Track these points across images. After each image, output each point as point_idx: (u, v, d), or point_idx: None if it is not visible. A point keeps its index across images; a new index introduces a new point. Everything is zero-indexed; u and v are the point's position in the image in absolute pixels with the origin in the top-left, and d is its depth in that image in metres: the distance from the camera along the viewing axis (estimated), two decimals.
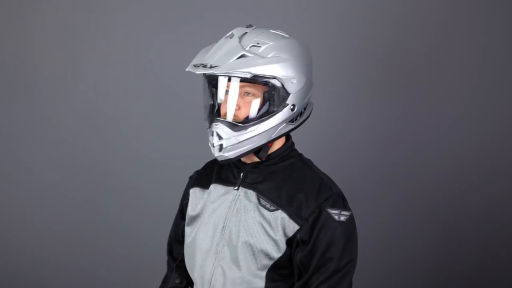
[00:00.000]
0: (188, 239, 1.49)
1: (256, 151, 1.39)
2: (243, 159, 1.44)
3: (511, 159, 2.79)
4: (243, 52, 1.32)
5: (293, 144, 1.47)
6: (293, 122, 1.40)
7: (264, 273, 1.38)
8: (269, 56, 1.33)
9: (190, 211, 1.51)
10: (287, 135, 1.47)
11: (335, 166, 2.70)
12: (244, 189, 1.43)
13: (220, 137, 1.35)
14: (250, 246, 1.37)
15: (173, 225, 1.64)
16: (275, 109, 1.36)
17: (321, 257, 1.33)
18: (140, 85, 2.69)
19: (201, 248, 1.44)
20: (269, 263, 1.37)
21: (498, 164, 2.80)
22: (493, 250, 2.85)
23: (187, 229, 1.50)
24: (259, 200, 1.40)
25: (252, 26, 1.42)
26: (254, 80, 1.32)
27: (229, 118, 1.35)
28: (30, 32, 2.65)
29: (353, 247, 1.37)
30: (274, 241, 1.36)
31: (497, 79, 2.75)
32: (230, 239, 1.40)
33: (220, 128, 1.35)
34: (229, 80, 1.34)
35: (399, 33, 2.71)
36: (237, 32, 1.38)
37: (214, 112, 1.40)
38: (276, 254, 1.36)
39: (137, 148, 2.72)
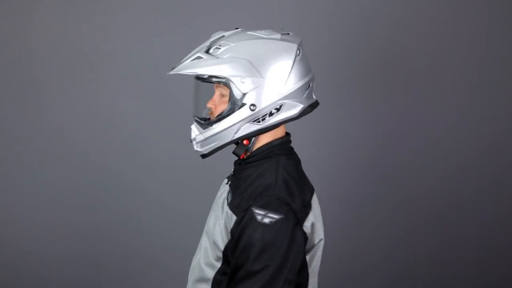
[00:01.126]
0: None
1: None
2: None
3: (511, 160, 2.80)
4: (198, 54, 1.41)
5: (279, 144, 1.46)
6: (259, 122, 1.40)
7: (219, 264, 1.42)
8: (225, 57, 1.39)
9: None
10: (284, 134, 1.49)
11: (334, 169, 2.73)
12: (231, 182, 1.50)
13: (194, 133, 1.48)
14: (209, 237, 1.45)
15: None
16: (231, 108, 1.40)
17: (239, 255, 1.33)
18: (141, 85, 2.69)
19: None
20: (220, 254, 1.41)
21: (499, 166, 2.79)
22: (494, 252, 2.84)
23: None
24: (227, 194, 1.45)
25: (238, 28, 1.47)
26: (207, 80, 1.41)
27: (194, 114, 1.51)
28: (30, 32, 2.64)
29: (275, 254, 1.30)
30: (221, 234, 1.41)
31: (497, 79, 2.75)
32: (206, 233, 1.49)
33: (193, 125, 1.48)
34: (195, 80, 1.47)
35: (399, 33, 2.70)
36: (215, 35, 1.46)
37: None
38: (222, 246, 1.40)
39: (138, 147, 2.71)
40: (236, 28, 1.47)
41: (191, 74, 1.40)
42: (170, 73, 1.41)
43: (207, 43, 1.45)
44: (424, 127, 2.78)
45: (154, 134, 2.71)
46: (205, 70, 1.38)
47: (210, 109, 1.45)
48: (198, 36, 2.63)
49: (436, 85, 2.76)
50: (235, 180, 1.47)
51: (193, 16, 2.66)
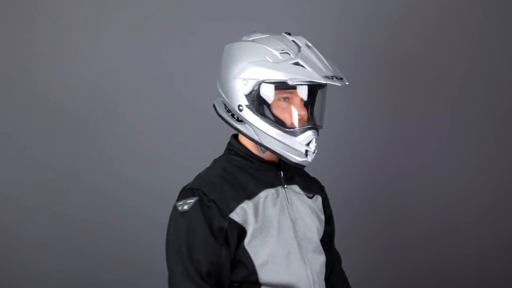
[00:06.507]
0: (263, 254, 1.44)
1: None
2: (275, 159, 1.52)
3: None
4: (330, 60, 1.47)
5: None
6: None
7: None
8: None
9: (253, 224, 1.44)
10: None
11: (335, 168, 2.73)
12: (288, 185, 1.53)
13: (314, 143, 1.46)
14: (318, 231, 1.55)
15: (197, 261, 1.40)
16: None
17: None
18: (143, 84, 2.69)
19: (288, 253, 1.46)
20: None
21: (500, 172, 2.80)
22: (493, 257, 2.84)
23: (256, 244, 1.44)
24: (302, 191, 1.55)
25: (289, 33, 1.51)
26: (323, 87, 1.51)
27: (320, 124, 1.51)
28: (29, 31, 2.64)
29: None
30: (321, 221, 1.58)
31: (500, 79, 2.75)
32: (304, 233, 1.50)
33: (315, 136, 1.46)
34: (323, 88, 1.49)
35: (403, 35, 2.71)
36: (304, 40, 1.48)
37: (307, 120, 1.47)
38: (322, 232, 1.60)
39: (138, 148, 2.71)
40: (288, 33, 1.51)
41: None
42: (347, 83, 1.43)
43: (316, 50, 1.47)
44: (427, 132, 2.78)
45: (156, 133, 2.71)
46: None
47: (300, 115, 1.45)
48: (201, 33, 2.66)
49: (438, 87, 2.76)
50: (295, 178, 1.57)
51: (196, 13, 2.67)
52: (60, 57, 2.66)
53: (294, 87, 1.42)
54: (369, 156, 2.77)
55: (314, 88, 1.46)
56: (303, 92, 1.43)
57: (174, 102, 2.68)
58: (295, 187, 1.55)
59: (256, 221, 1.43)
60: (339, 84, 1.40)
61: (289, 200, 1.50)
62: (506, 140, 2.80)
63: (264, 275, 1.42)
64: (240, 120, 1.47)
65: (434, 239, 2.82)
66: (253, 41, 1.48)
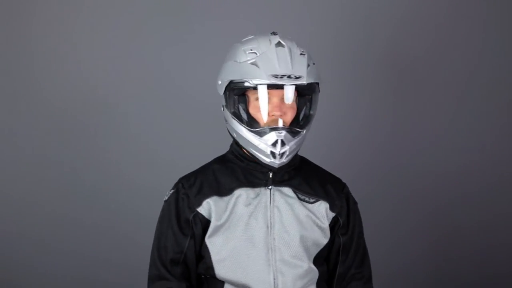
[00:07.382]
0: (223, 250, 1.47)
1: None
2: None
3: None
4: (311, 61, 1.43)
5: None
6: None
7: (312, 261, 1.49)
8: (310, 63, 1.44)
9: (215, 220, 1.48)
10: None
11: (335, 167, 2.73)
12: (277, 187, 1.49)
13: (283, 144, 1.40)
14: (303, 238, 1.46)
15: (164, 247, 1.51)
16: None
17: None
18: (143, 83, 2.69)
19: (249, 254, 1.46)
20: (316, 251, 1.49)
21: (500, 164, 2.80)
22: (494, 253, 2.85)
23: (216, 240, 1.48)
24: (297, 195, 1.48)
25: (275, 32, 1.48)
26: (308, 87, 1.41)
27: (292, 125, 1.44)
28: (29, 32, 2.64)
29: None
30: (321, 229, 1.49)
31: (499, 79, 2.75)
32: (281, 237, 1.46)
33: (284, 135, 1.40)
34: (298, 89, 1.41)
35: (402, 34, 2.71)
36: (277, 38, 1.45)
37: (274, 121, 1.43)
38: (324, 241, 1.51)
39: (138, 148, 2.71)
40: (274, 33, 1.49)
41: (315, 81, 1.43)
42: (305, 83, 1.38)
43: (289, 48, 1.42)
44: (425, 127, 2.78)
45: (156, 133, 2.71)
46: (315, 78, 1.44)
47: (275, 115, 1.42)
48: (201, 33, 2.66)
49: (438, 85, 2.76)
50: (291, 181, 1.50)
51: (196, 14, 2.67)
52: (60, 58, 2.66)
53: (255, 87, 1.40)
54: (368, 156, 2.77)
55: (304, 89, 1.44)
56: (283, 92, 1.40)
57: (174, 102, 2.68)
58: (287, 190, 1.49)
59: (220, 218, 1.47)
60: (288, 84, 1.36)
61: (272, 202, 1.48)
62: (506, 138, 2.80)
63: (220, 271, 1.47)
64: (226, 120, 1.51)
65: (434, 237, 2.82)
66: (241, 42, 1.50)
